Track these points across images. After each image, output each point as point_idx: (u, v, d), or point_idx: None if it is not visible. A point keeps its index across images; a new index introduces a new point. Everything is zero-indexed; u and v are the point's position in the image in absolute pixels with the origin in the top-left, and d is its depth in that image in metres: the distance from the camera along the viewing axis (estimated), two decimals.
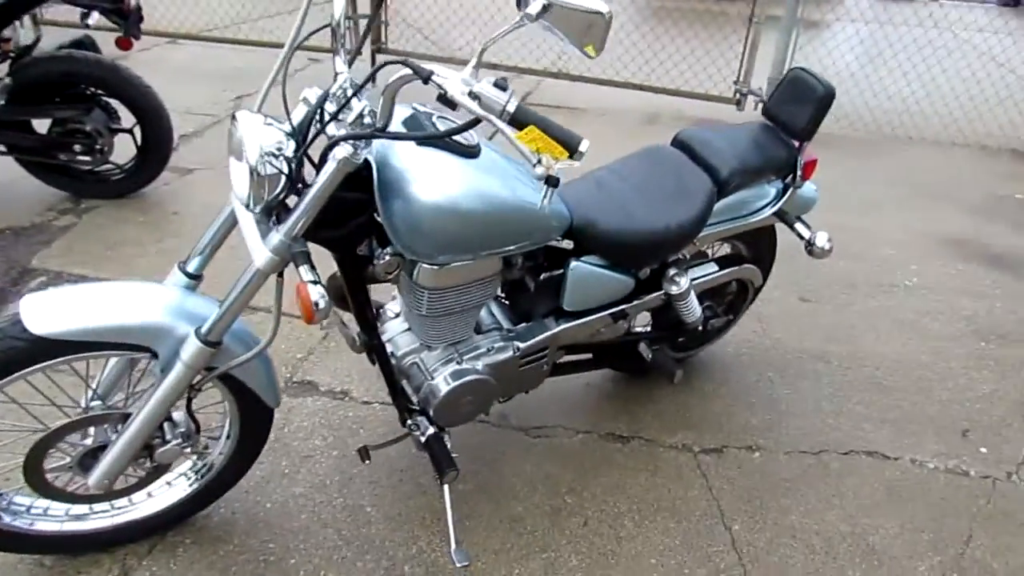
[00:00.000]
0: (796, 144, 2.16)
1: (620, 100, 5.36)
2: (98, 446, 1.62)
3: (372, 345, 1.82)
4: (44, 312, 1.43)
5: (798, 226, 2.23)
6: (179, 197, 3.58)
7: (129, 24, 3.21)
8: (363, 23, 5.16)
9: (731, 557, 1.95)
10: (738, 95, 5.11)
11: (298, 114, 1.53)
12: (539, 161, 1.17)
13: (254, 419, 1.77)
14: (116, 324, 1.46)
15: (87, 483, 1.60)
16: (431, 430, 1.85)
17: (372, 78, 1.41)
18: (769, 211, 2.19)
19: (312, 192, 1.41)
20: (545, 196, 1.22)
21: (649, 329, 2.33)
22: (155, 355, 1.53)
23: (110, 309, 1.47)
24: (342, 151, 1.37)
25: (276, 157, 1.37)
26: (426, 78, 1.24)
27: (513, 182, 1.64)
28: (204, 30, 5.98)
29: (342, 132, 1.41)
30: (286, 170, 1.39)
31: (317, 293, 1.39)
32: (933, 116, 5.08)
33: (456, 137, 1.55)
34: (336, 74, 1.51)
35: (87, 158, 3.32)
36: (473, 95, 1.21)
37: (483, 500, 2.05)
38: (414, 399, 1.91)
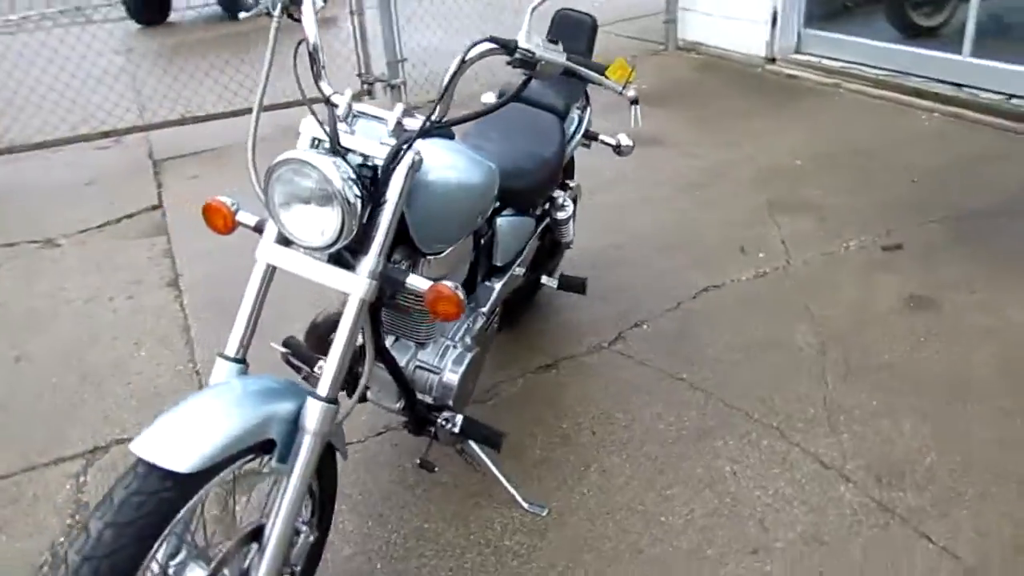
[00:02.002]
0: None
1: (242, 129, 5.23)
2: None
3: (389, 367, 1.79)
4: (172, 448, 1.21)
5: (603, 137, 2.67)
6: None
7: None
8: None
9: (699, 395, 2.37)
10: (366, 85, 5.39)
11: (304, 144, 1.48)
12: (624, 87, 1.39)
13: (330, 477, 1.67)
14: (240, 430, 1.29)
15: None
16: (459, 417, 1.91)
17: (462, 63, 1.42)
18: (581, 133, 2.59)
19: (390, 205, 1.41)
20: (635, 116, 1.44)
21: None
22: (269, 448, 1.38)
23: (222, 420, 1.29)
24: (410, 157, 1.40)
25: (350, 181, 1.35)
26: (513, 48, 1.35)
27: (475, 152, 1.78)
28: None
29: (383, 143, 1.42)
30: (358, 192, 1.37)
31: (453, 286, 1.41)
32: None
33: None
34: (328, 97, 1.49)
35: None
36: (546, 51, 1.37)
37: (503, 463, 2.16)
38: (429, 399, 1.94)
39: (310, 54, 1.47)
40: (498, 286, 2.15)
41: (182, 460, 1.21)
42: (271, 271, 1.49)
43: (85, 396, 2.56)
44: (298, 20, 1.47)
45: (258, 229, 1.53)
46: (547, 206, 2.41)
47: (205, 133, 4.71)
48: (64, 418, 2.47)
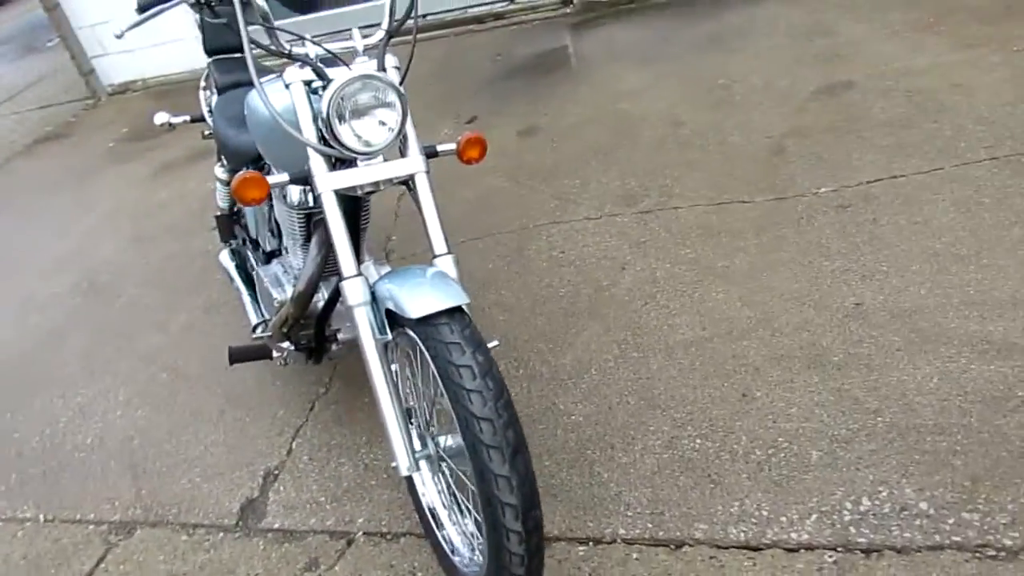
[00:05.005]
0: None
1: None
2: None
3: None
4: (440, 297, 1.47)
5: None
6: None
7: None
8: None
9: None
10: None
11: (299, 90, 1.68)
12: None
13: None
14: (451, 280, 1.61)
15: None
16: None
17: None
18: None
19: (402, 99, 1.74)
20: None
21: None
22: None
23: (433, 277, 1.59)
24: (395, 61, 1.75)
25: None
26: None
27: None
28: None
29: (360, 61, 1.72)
30: None
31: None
32: None
33: None
34: (290, 51, 1.69)
35: None
36: None
37: None
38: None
39: (263, 17, 1.66)
40: None
41: (458, 297, 1.49)
42: (337, 196, 1.68)
43: None
44: None
45: (293, 180, 1.69)
46: None
47: None
48: None
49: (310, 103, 1.68)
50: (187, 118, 2.79)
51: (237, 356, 2.10)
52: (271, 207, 2.29)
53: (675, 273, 2.55)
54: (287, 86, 1.69)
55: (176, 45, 5.94)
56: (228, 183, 2.61)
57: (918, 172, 2.65)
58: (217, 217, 2.70)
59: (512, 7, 5.39)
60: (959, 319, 2.06)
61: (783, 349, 2.14)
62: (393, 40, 1.73)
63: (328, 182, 1.66)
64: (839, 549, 1.64)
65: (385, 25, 1.77)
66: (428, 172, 1.74)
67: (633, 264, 2.65)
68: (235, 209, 2.72)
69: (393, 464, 1.59)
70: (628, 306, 2.47)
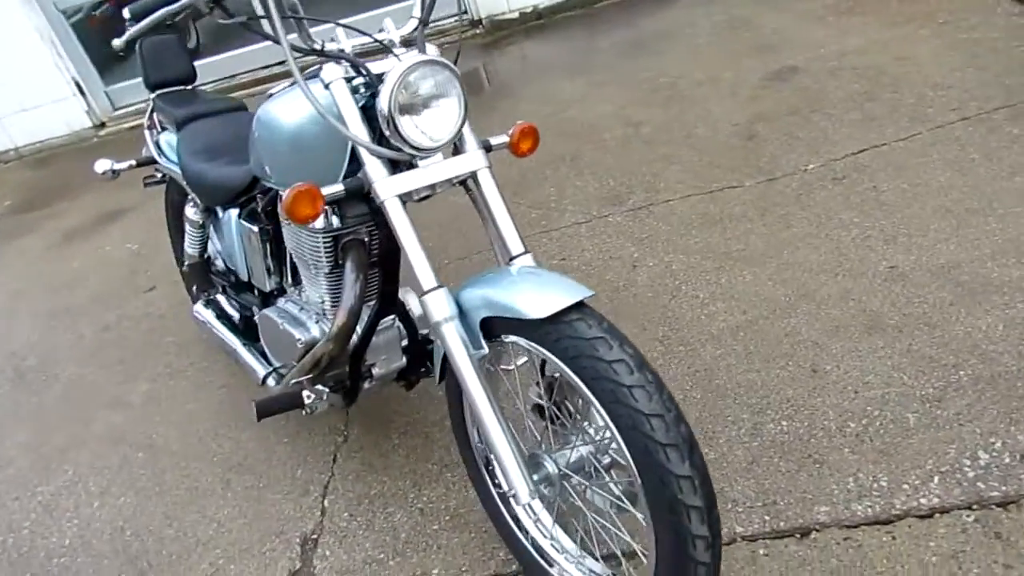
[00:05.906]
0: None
1: None
2: None
3: (401, 315, 1.88)
4: (558, 295, 1.32)
5: None
6: None
7: None
8: None
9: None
10: None
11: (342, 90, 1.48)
12: None
13: None
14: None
15: None
16: None
17: None
18: None
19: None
20: None
21: None
22: None
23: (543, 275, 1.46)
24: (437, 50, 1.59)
25: None
26: None
27: None
28: None
29: (399, 53, 1.55)
30: None
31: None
32: None
33: None
34: (322, 47, 1.50)
35: None
36: None
37: None
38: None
39: (291, 9, 1.46)
40: None
41: (580, 290, 1.34)
42: (403, 202, 1.49)
43: None
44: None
45: (348, 191, 1.50)
46: None
47: None
48: None
49: (355, 102, 1.49)
50: (132, 163, 2.50)
51: (265, 410, 1.83)
52: (266, 240, 2.04)
53: (691, 263, 2.47)
54: (327, 85, 1.49)
55: (52, 107, 5.45)
56: (202, 225, 2.34)
57: (898, 139, 2.71)
58: (190, 266, 2.41)
59: None
60: (999, 267, 2.08)
61: (834, 320, 2.09)
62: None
63: (390, 188, 1.48)
64: (974, 507, 1.57)
65: (417, 12, 1.62)
66: (490, 167, 1.59)
67: (643, 261, 2.56)
68: (206, 256, 2.43)
69: (512, 492, 1.39)
70: (655, 302, 2.36)
